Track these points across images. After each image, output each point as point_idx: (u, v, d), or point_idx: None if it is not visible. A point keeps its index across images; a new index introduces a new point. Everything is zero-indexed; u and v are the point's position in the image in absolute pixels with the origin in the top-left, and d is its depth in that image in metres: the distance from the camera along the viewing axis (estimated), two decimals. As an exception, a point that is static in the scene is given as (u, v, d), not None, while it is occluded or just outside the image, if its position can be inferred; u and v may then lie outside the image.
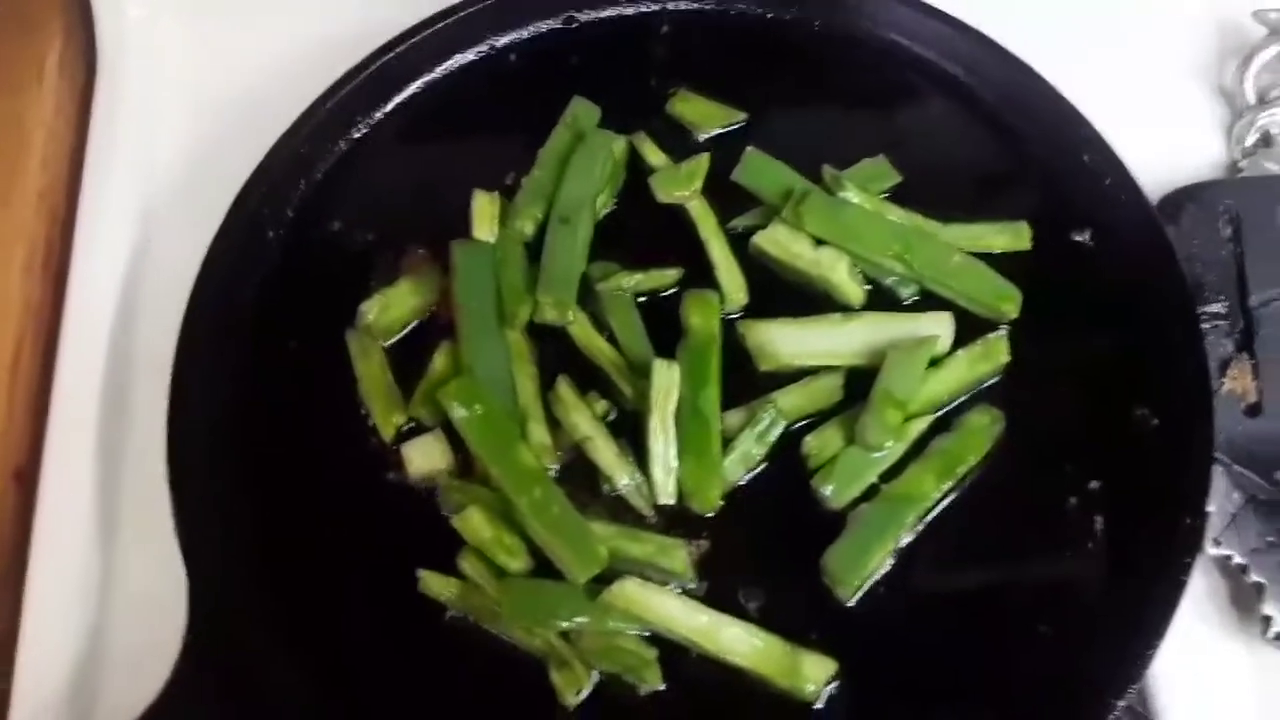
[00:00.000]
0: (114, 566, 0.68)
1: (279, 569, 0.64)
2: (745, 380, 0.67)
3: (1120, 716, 0.60)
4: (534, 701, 0.60)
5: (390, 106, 0.77)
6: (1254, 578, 0.66)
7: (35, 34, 0.82)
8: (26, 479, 0.70)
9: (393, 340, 0.70)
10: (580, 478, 0.65)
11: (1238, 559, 0.66)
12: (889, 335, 0.67)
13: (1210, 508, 0.67)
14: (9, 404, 0.71)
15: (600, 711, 0.60)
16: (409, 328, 0.70)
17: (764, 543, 0.64)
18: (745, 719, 0.61)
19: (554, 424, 0.66)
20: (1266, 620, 0.64)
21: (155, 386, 0.67)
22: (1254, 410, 0.70)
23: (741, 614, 0.62)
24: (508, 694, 0.61)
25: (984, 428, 0.66)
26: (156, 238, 0.77)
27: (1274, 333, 0.71)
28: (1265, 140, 0.80)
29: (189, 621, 0.60)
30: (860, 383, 0.67)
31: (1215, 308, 0.72)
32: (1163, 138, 0.80)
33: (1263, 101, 0.81)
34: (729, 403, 0.66)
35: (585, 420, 0.65)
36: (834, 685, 0.60)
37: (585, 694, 0.60)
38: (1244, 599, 0.67)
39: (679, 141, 0.76)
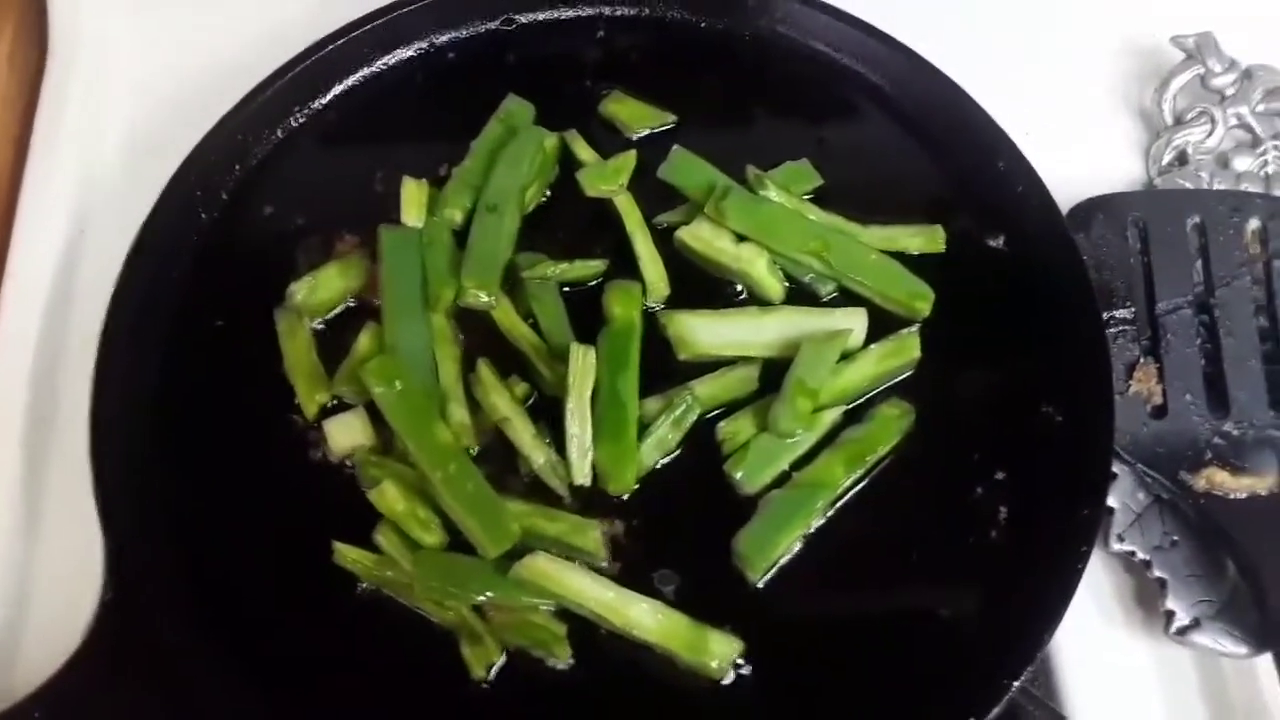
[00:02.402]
0: (36, 538, 0.69)
1: (196, 539, 0.64)
2: (664, 369, 0.69)
3: (1022, 703, 0.62)
4: (445, 675, 0.61)
5: (328, 98, 0.79)
6: (1157, 574, 0.67)
7: (-15, 23, 0.83)
8: (-47, 450, 0.71)
9: (320, 321, 0.71)
10: (499, 459, 0.67)
11: (1141, 555, 0.68)
12: (804, 328, 0.69)
13: (1115, 505, 0.69)
14: (-61, 377, 0.72)
15: (510, 686, 0.61)
16: (336, 310, 0.71)
17: (677, 525, 0.66)
18: (653, 696, 0.62)
19: (475, 408, 0.67)
20: (1169, 615, 0.66)
21: (85, 363, 0.68)
22: (1159, 412, 0.72)
23: (654, 595, 0.63)
24: (419, 667, 0.62)
25: (894, 420, 0.68)
26: (95, 222, 0.79)
27: (1179, 339, 0.74)
28: (1181, 159, 0.84)
29: (104, 586, 0.61)
30: (776, 374, 0.68)
31: (1122, 313, 0.74)
32: (1082, 154, 0.83)
33: (1179, 122, 0.84)
34: (648, 390, 0.68)
35: (504, 402, 0.66)
36: (743, 664, 0.62)
37: (496, 668, 0.61)
38: (1147, 595, 0.69)
39: (611, 140, 0.78)
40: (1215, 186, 0.81)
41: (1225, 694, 0.67)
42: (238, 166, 0.76)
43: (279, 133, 0.77)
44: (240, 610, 0.63)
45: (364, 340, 0.68)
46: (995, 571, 0.64)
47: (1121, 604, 0.69)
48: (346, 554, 0.63)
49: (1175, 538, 0.68)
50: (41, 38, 0.86)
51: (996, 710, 0.59)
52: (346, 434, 0.66)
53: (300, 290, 0.70)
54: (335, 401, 0.68)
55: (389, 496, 0.63)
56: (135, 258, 0.70)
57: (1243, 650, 0.65)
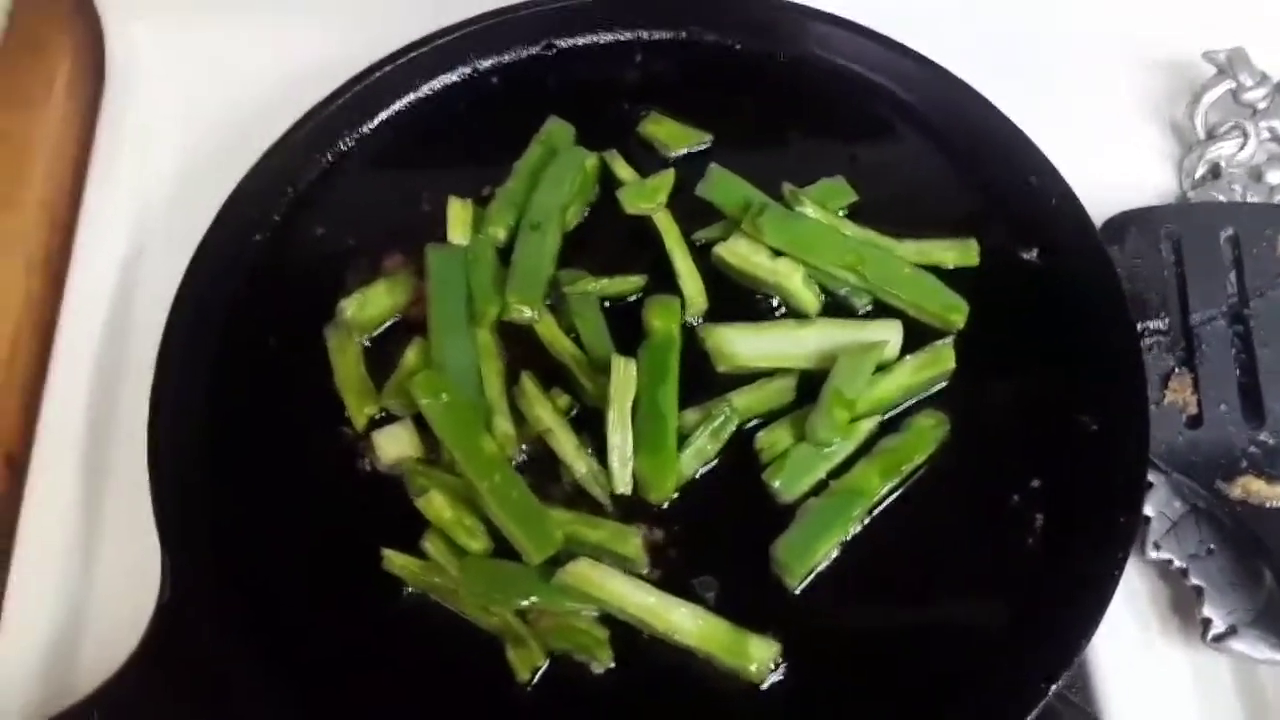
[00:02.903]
0: (95, 548, 0.71)
1: (249, 547, 0.66)
2: (703, 381, 0.70)
3: (1059, 709, 0.63)
4: (490, 678, 0.63)
5: (375, 123, 0.82)
6: (1193, 581, 0.68)
7: (45, 52, 0.87)
8: (17, 465, 0.74)
9: (368, 337, 0.73)
10: (542, 469, 0.68)
11: (1177, 563, 0.69)
12: (840, 340, 0.70)
13: (1151, 514, 0.70)
14: (3, 392, 0.75)
15: (553, 689, 0.63)
16: (384, 326, 0.73)
17: (716, 533, 0.67)
18: (693, 699, 0.63)
19: (519, 421, 0.69)
20: (1206, 623, 0.67)
21: (143, 381, 0.70)
22: (1195, 422, 0.72)
23: (694, 601, 0.64)
24: (464, 671, 0.63)
25: (929, 430, 0.69)
26: (152, 244, 0.82)
27: (1214, 349, 0.74)
28: (1214, 172, 0.84)
29: (160, 591, 0.63)
30: (812, 385, 0.69)
31: (1157, 324, 0.75)
32: (1115, 169, 0.83)
33: (1211, 136, 0.85)
34: (687, 402, 0.69)
35: (547, 413, 0.68)
36: (780, 669, 0.63)
37: (540, 672, 0.63)
38: (1184, 603, 0.69)
39: (648, 160, 0.80)
40: (1248, 200, 0.82)
41: (1262, 701, 0.67)
42: (289, 189, 0.78)
43: (329, 156, 0.80)
44: (291, 616, 0.65)
45: (411, 355, 0.70)
46: (1032, 578, 0.65)
47: (1158, 612, 0.69)
48: (395, 560, 0.65)
49: (1211, 546, 0.69)
50: (99, 65, 0.89)
51: (1034, 714, 0.60)
52: (395, 445, 0.68)
53: (350, 307, 0.72)
54: (383, 414, 0.70)
55: (436, 505, 0.65)
56: (191, 278, 0.72)
57: (1279, 657, 0.65)
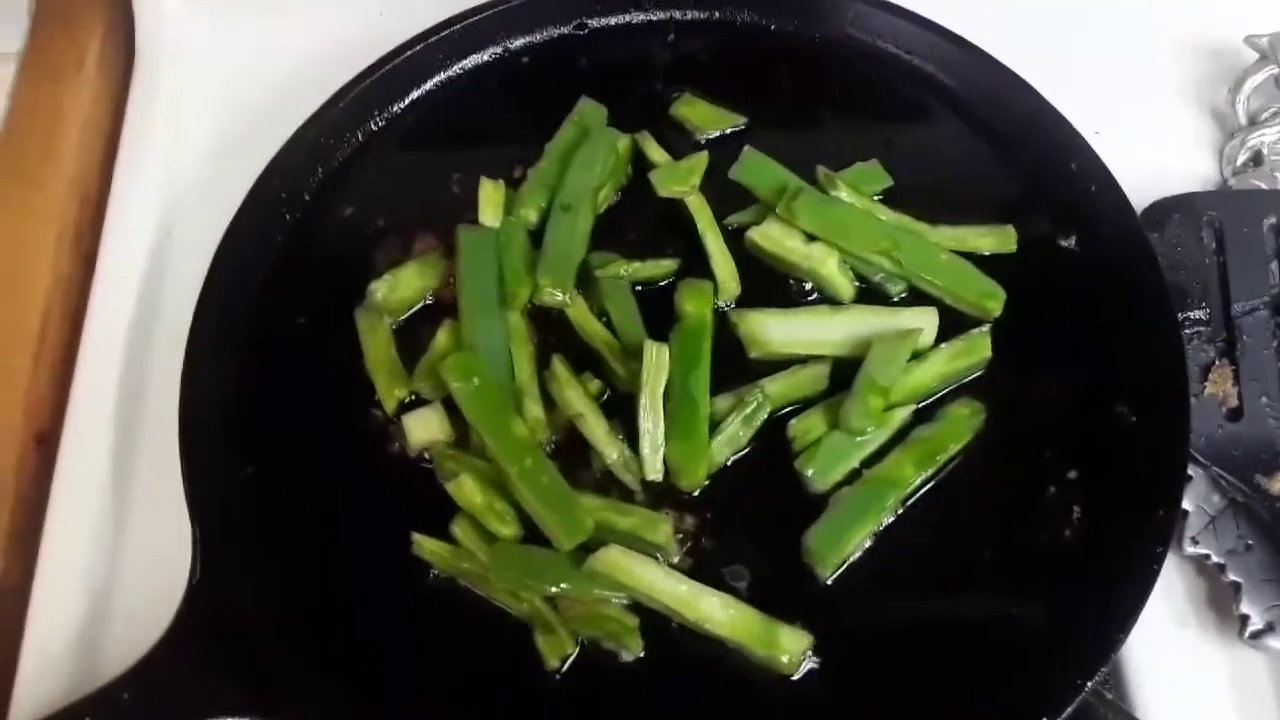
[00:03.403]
0: (125, 527, 0.71)
1: (278, 528, 0.66)
2: (735, 367, 0.70)
3: (1095, 705, 0.62)
4: (519, 665, 0.62)
5: (407, 102, 0.81)
6: (1231, 577, 0.67)
7: (77, 28, 0.86)
8: (48, 441, 0.74)
9: (399, 319, 0.73)
10: (572, 454, 0.68)
11: (1215, 559, 0.68)
12: (875, 327, 0.70)
13: (1189, 508, 0.69)
14: (34, 371, 0.75)
15: (582, 677, 0.62)
16: (415, 308, 0.73)
17: (747, 521, 0.66)
18: (723, 689, 0.62)
19: (550, 405, 0.69)
20: (1243, 619, 0.66)
21: (173, 359, 0.70)
22: (1235, 415, 0.71)
23: (724, 590, 0.64)
24: (493, 657, 0.63)
25: (965, 419, 0.68)
26: (182, 222, 0.81)
27: (1255, 341, 0.73)
28: (1255, 159, 0.83)
29: (191, 571, 0.63)
30: (846, 373, 0.69)
31: (1197, 314, 0.74)
32: (1155, 155, 0.82)
33: (1253, 123, 0.84)
34: (719, 388, 0.69)
35: (578, 397, 0.67)
36: (812, 659, 0.62)
37: (569, 660, 0.62)
38: (1221, 599, 0.68)
39: (681, 142, 0.79)
40: (1291, 187, 0.80)
41: (1301, 698, 0.66)
42: (320, 169, 0.78)
43: (359, 136, 0.80)
44: (319, 597, 0.65)
45: (442, 337, 0.70)
46: (1069, 571, 0.64)
47: (1195, 607, 0.69)
48: (425, 545, 0.64)
49: (1250, 541, 0.68)
50: (129, 44, 0.89)
51: (1069, 711, 0.59)
52: (424, 428, 0.68)
53: (380, 289, 0.72)
54: (413, 397, 0.70)
55: (467, 489, 0.64)
56: (222, 256, 0.72)
57: (1318, 655, 0.65)
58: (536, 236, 0.73)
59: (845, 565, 0.65)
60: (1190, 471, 0.68)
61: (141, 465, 0.73)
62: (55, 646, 0.67)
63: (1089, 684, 0.60)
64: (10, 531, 0.71)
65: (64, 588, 0.69)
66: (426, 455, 0.68)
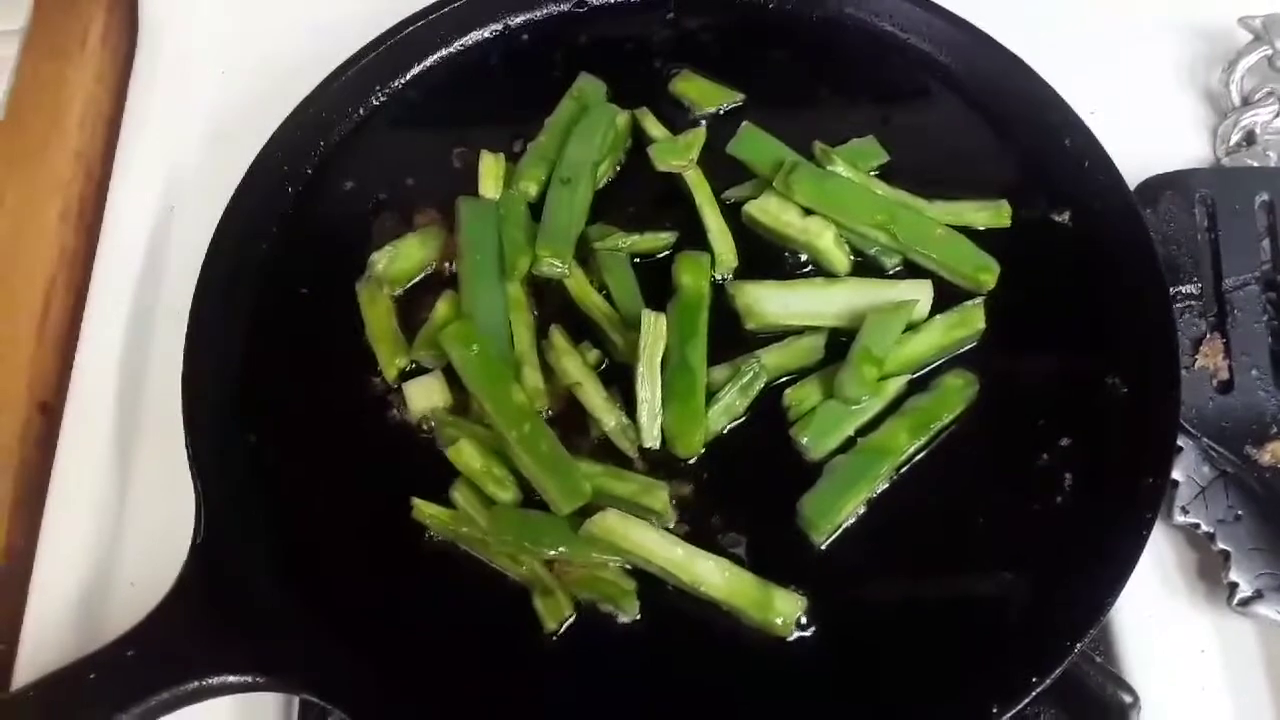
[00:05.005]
0: (127, 495, 0.72)
1: (280, 493, 0.67)
2: (732, 338, 0.71)
3: (1086, 670, 0.63)
4: (517, 627, 0.63)
5: (408, 77, 0.82)
6: (1220, 546, 0.68)
7: (80, 4, 0.87)
8: (52, 412, 0.75)
9: (400, 291, 0.73)
10: (571, 422, 0.69)
11: (1205, 528, 0.68)
12: (870, 299, 0.70)
13: (1180, 478, 0.69)
14: (39, 341, 0.76)
15: (580, 639, 0.63)
16: (415, 280, 0.74)
17: (743, 488, 0.67)
18: (718, 651, 0.63)
19: (549, 375, 0.69)
20: (1232, 587, 0.67)
21: (174, 331, 0.71)
22: (1225, 387, 0.72)
23: (720, 555, 0.64)
24: (492, 620, 0.64)
25: (959, 389, 0.69)
26: (184, 196, 0.82)
27: (1246, 314, 0.74)
28: (1249, 139, 0.84)
29: (195, 533, 0.64)
30: (842, 344, 0.70)
31: (1189, 289, 0.75)
32: (1149, 135, 0.83)
33: (1246, 103, 0.84)
34: (716, 359, 0.69)
35: (576, 366, 0.68)
36: (806, 623, 0.63)
37: (567, 622, 0.63)
38: (1210, 568, 0.69)
39: (680, 118, 0.80)
40: (1284, 167, 0.81)
41: (1289, 665, 0.67)
42: (321, 143, 0.79)
43: (361, 111, 0.80)
44: (321, 560, 0.66)
45: (442, 307, 0.71)
46: (1060, 537, 0.65)
47: (1185, 576, 0.70)
48: (424, 509, 0.65)
49: (1240, 511, 0.69)
50: (132, 21, 0.90)
51: (1057, 672, 0.60)
52: (425, 396, 0.68)
53: (381, 260, 0.72)
54: (414, 365, 0.70)
55: (466, 454, 0.65)
56: (225, 229, 0.73)
57: (1306, 622, 0.66)
58: (536, 210, 0.74)
59: (839, 531, 0.66)
60: (1181, 442, 0.69)
61: (143, 435, 0.74)
62: (58, 612, 0.68)
63: (1078, 647, 0.60)
64: (15, 500, 0.72)
65: (67, 555, 0.70)
66: (427, 423, 0.68)
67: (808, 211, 0.73)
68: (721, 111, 0.80)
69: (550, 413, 0.69)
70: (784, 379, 0.70)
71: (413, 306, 0.73)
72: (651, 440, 0.67)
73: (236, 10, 0.90)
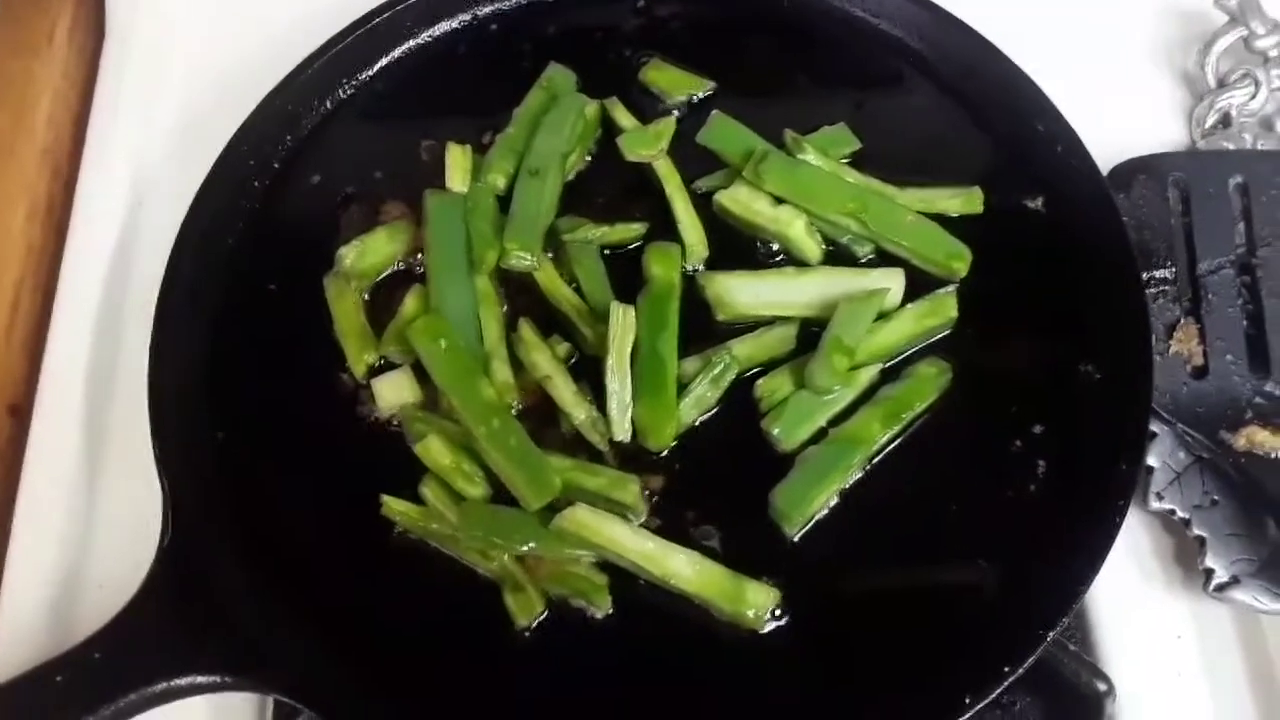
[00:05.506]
0: (98, 498, 0.72)
1: (249, 491, 0.67)
2: (703, 329, 0.70)
3: (1061, 658, 0.63)
4: (489, 624, 0.63)
5: (375, 69, 0.81)
6: (1196, 532, 0.68)
7: (47, 1, 0.86)
8: (21, 413, 0.74)
9: (368, 285, 0.73)
10: (541, 416, 0.68)
11: (1180, 514, 0.68)
12: (842, 288, 0.70)
13: (1155, 464, 0.69)
14: (7, 342, 0.75)
15: (552, 635, 0.63)
16: (384, 274, 0.73)
17: (715, 481, 0.67)
18: (691, 645, 0.63)
19: (518, 368, 0.69)
20: (1208, 573, 0.66)
21: (144, 330, 0.70)
22: (1200, 372, 0.72)
23: (693, 548, 0.64)
24: (463, 617, 0.64)
25: (932, 378, 0.69)
26: (153, 192, 0.81)
27: (1220, 299, 0.74)
28: (1224, 121, 0.83)
29: (162, 533, 0.63)
30: (814, 335, 0.69)
31: (1163, 273, 0.74)
32: (1124, 118, 0.83)
33: (1222, 85, 0.84)
34: (687, 350, 0.69)
35: (545, 359, 0.68)
36: (779, 615, 0.63)
37: (538, 618, 0.63)
38: (1186, 554, 0.69)
39: (651, 107, 0.79)
40: (1260, 149, 0.81)
41: (1263, 651, 0.67)
42: (288, 137, 0.78)
43: (328, 104, 0.80)
44: (291, 559, 0.65)
45: (410, 301, 0.70)
46: (1033, 524, 0.65)
47: (1161, 562, 0.69)
48: (394, 506, 0.65)
49: (1215, 497, 0.69)
50: (99, 17, 0.89)
51: (1030, 660, 0.60)
52: (394, 391, 0.68)
53: (349, 255, 0.72)
54: (383, 361, 0.70)
55: (434, 450, 0.65)
56: (190, 224, 0.72)
57: (1281, 607, 0.65)
58: (505, 202, 0.73)
59: (812, 523, 0.65)
60: (1156, 428, 0.69)
61: (114, 436, 0.73)
62: (28, 614, 0.68)
63: (1050, 635, 0.60)
64: (-16, 502, 0.71)
65: (37, 558, 0.69)
66: (396, 419, 0.68)
67: (779, 200, 0.72)
68: (694, 100, 0.79)
69: (520, 407, 0.68)
70: (755, 370, 0.69)
71: (382, 301, 0.72)
72: (622, 433, 0.66)
73: (203, 6, 0.89)
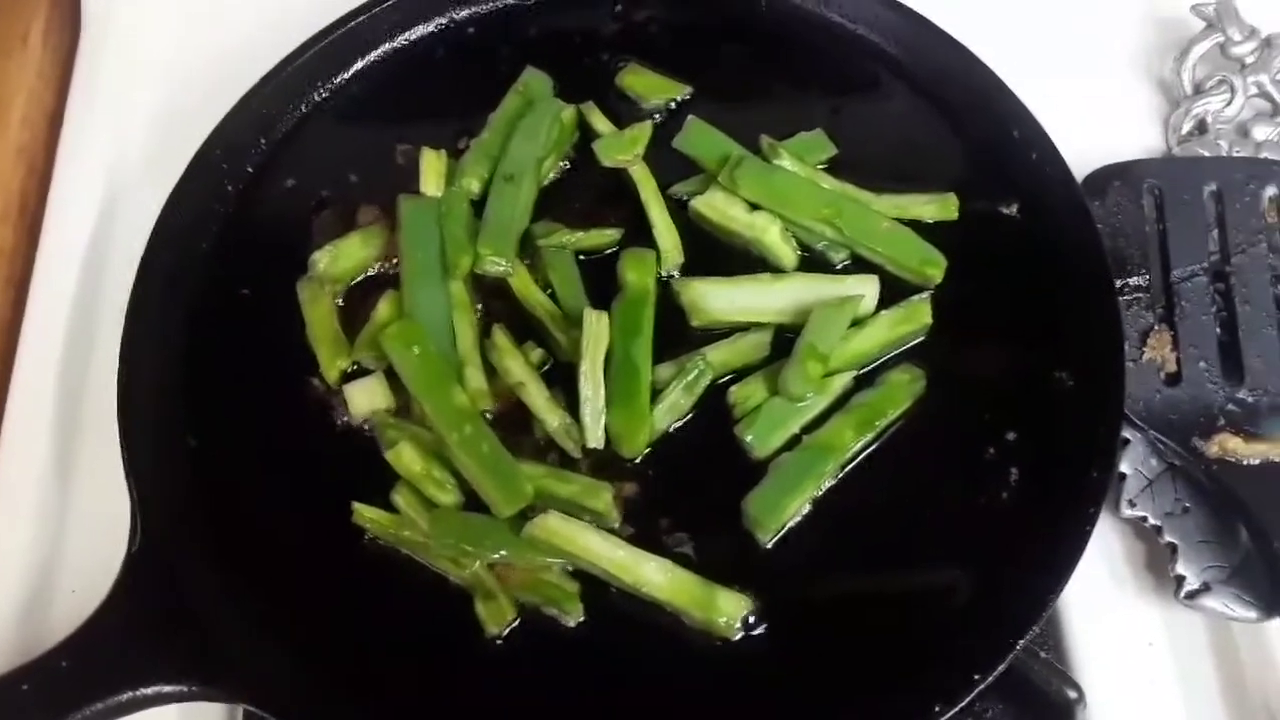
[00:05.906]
0: (68, 502, 0.71)
1: (220, 498, 0.66)
2: (678, 335, 0.70)
3: (1033, 666, 0.63)
4: (460, 632, 0.63)
5: (350, 73, 0.81)
6: (1168, 539, 0.68)
7: (21, 1, 0.86)
8: (-9, 415, 0.74)
9: (341, 290, 0.72)
10: (514, 423, 0.68)
11: (1152, 521, 0.69)
12: (816, 295, 0.70)
13: (1127, 471, 0.69)
14: (-23, 344, 0.75)
15: (523, 643, 0.63)
16: (357, 279, 0.73)
17: (688, 488, 0.67)
18: (663, 653, 0.63)
19: (492, 374, 0.69)
20: (1179, 580, 0.67)
21: (117, 332, 0.70)
22: (1173, 380, 0.72)
23: (665, 555, 0.64)
24: (435, 625, 0.63)
25: (905, 385, 0.69)
26: (127, 194, 0.81)
27: (1194, 306, 0.74)
28: (1200, 128, 0.83)
29: (131, 540, 0.63)
30: (788, 341, 0.69)
31: (1137, 280, 0.74)
32: (1101, 124, 0.83)
33: (1198, 92, 0.84)
34: (662, 357, 0.69)
35: (518, 366, 0.67)
36: (753, 622, 0.63)
37: (510, 626, 0.63)
38: (1158, 561, 0.69)
39: (627, 113, 0.79)
40: (1235, 155, 0.81)
41: (1235, 658, 0.67)
42: (262, 140, 0.77)
43: (303, 107, 0.79)
44: (261, 566, 0.65)
45: (383, 307, 0.70)
46: (1005, 531, 0.65)
47: (1133, 569, 0.70)
48: (365, 513, 0.65)
49: (1187, 504, 0.69)
50: (75, 16, 0.89)
51: (1000, 669, 0.60)
52: (367, 398, 0.68)
53: (322, 260, 0.71)
54: (355, 367, 0.70)
55: (406, 457, 0.64)
56: (163, 228, 0.72)
57: (1253, 615, 0.66)
58: (479, 207, 0.73)
59: (785, 530, 0.65)
60: (1128, 435, 0.69)
61: (86, 438, 0.73)
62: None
63: (1020, 642, 0.60)
64: (-46, 507, 0.71)
65: (6, 563, 0.69)
66: (369, 425, 0.68)
67: (754, 206, 0.72)
68: (671, 105, 0.79)
69: (493, 414, 0.68)
70: (729, 376, 0.69)
71: (355, 306, 0.72)
72: (595, 440, 0.66)
73: (179, 6, 0.88)
